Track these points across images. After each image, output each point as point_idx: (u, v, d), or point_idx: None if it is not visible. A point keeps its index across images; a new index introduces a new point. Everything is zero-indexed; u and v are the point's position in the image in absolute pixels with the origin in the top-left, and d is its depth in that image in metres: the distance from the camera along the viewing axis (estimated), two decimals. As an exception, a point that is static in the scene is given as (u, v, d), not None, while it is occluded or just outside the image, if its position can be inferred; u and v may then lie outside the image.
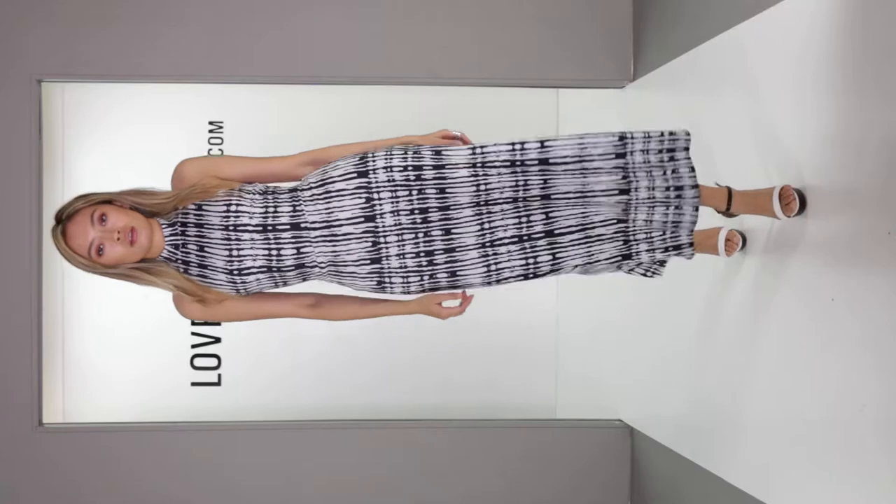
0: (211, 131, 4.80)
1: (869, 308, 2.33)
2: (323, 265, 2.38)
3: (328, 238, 2.35)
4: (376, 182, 2.34)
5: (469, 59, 4.47)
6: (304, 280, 2.45)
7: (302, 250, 2.37)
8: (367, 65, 4.44)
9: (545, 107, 5.09)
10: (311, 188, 2.37)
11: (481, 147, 2.36)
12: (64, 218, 2.33)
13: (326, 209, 2.34)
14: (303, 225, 2.36)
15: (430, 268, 2.38)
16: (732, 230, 3.04)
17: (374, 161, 2.35)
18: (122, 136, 4.75)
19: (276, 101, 4.86)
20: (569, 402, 5.02)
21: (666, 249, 2.49)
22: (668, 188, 2.43)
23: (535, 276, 2.43)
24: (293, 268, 2.39)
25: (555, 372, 5.12)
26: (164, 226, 2.39)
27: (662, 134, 2.44)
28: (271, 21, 4.41)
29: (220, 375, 4.85)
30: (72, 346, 4.77)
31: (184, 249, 2.39)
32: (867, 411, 2.33)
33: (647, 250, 2.47)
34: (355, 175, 2.35)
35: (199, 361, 4.84)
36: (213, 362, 4.84)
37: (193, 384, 4.84)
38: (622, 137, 2.39)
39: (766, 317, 2.92)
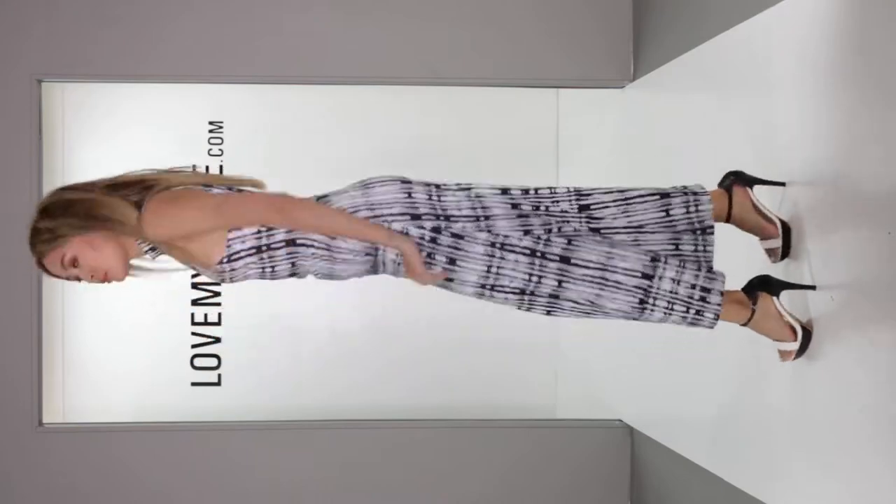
0: (211, 131, 4.81)
1: (869, 308, 2.33)
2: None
3: (326, 277, 2.40)
4: (383, 261, 2.35)
5: (469, 59, 4.47)
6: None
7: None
8: (367, 65, 4.44)
9: (545, 107, 5.09)
10: (313, 246, 2.32)
11: (495, 276, 2.32)
12: (36, 253, 2.26)
13: (329, 266, 2.35)
14: (301, 274, 2.38)
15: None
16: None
17: (384, 258, 2.35)
18: (122, 136, 4.75)
19: (276, 101, 4.87)
20: (569, 402, 5.02)
21: (688, 305, 2.39)
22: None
23: (533, 294, 2.36)
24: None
25: (555, 372, 5.13)
26: (144, 248, 2.32)
27: (698, 274, 2.38)
28: (271, 21, 4.41)
29: (220, 375, 4.85)
30: (72, 346, 4.77)
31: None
32: (867, 412, 2.33)
33: (661, 320, 2.40)
34: (363, 253, 2.34)
35: (199, 361, 4.84)
36: (213, 362, 4.84)
37: (193, 384, 4.84)
38: (647, 279, 2.34)
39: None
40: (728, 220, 2.59)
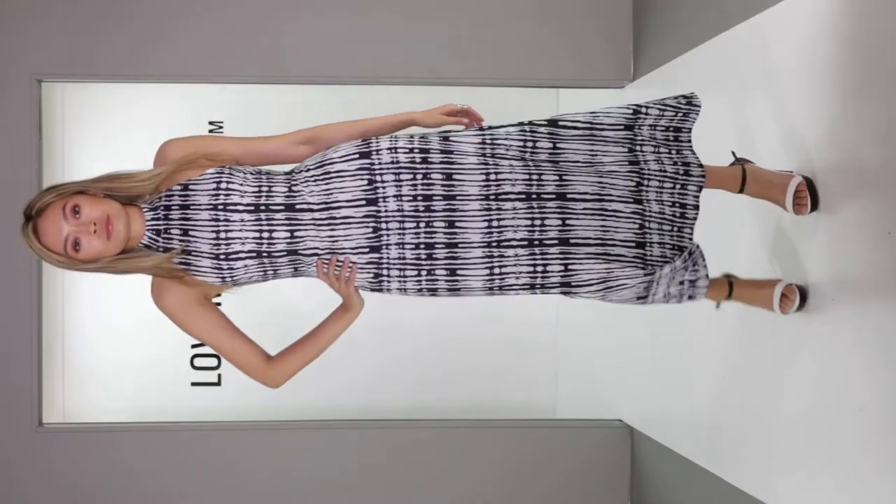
0: (211, 131, 4.80)
1: (869, 308, 2.33)
2: (319, 251, 2.24)
3: (325, 221, 2.22)
4: (379, 163, 2.24)
5: (469, 59, 4.47)
6: (297, 272, 2.30)
7: (296, 234, 2.22)
8: (367, 65, 4.44)
9: (545, 107, 5.09)
10: (308, 170, 2.26)
11: (491, 132, 2.31)
12: (34, 214, 2.16)
13: (325, 190, 2.22)
14: (298, 206, 2.22)
15: (428, 262, 2.23)
16: (790, 285, 2.64)
17: (377, 142, 2.28)
18: (122, 136, 4.75)
19: (276, 101, 4.86)
20: (569, 402, 5.02)
21: (680, 295, 2.42)
22: (676, 171, 2.42)
23: (543, 287, 2.34)
24: (285, 253, 2.23)
25: (555, 372, 5.13)
26: (145, 209, 2.22)
27: (678, 107, 2.42)
28: (271, 21, 4.41)
29: (220, 375, 4.85)
30: (72, 346, 4.77)
31: (166, 235, 2.22)
32: (867, 412, 2.33)
33: (665, 296, 2.39)
34: (357, 156, 2.25)
35: (199, 361, 4.84)
36: (213, 362, 4.84)
37: (193, 384, 4.84)
38: (636, 111, 2.40)
39: (766, 317, 2.92)
40: (742, 187, 2.67)
